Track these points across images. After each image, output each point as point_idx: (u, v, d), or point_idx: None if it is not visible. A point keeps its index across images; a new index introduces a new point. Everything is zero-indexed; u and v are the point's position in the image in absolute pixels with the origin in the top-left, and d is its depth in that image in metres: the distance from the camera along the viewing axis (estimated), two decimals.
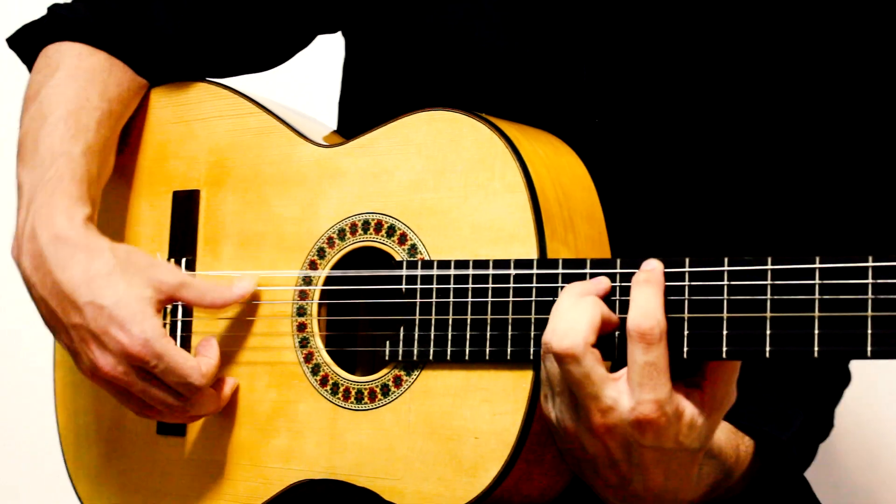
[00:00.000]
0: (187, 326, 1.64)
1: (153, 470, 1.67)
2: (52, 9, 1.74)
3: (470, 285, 1.43)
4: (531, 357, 1.39)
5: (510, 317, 1.41)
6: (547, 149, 1.49)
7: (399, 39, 1.62)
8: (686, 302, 1.31)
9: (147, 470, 1.68)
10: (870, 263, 1.22)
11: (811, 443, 1.57)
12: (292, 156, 1.61)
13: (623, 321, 1.32)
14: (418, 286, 1.46)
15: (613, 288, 1.35)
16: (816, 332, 1.24)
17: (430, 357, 1.45)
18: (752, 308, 1.27)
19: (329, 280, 1.55)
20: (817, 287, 1.24)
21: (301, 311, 1.56)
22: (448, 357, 1.44)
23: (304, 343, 1.56)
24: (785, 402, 1.52)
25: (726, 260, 1.30)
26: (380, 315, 1.50)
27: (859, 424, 2.17)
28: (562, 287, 1.37)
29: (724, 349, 1.29)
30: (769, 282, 1.27)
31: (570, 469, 1.46)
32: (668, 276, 1.31)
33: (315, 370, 1.55)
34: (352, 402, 1.51)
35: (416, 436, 1.46)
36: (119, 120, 1.69)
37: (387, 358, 1.48)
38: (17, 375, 2.59)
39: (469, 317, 1.43)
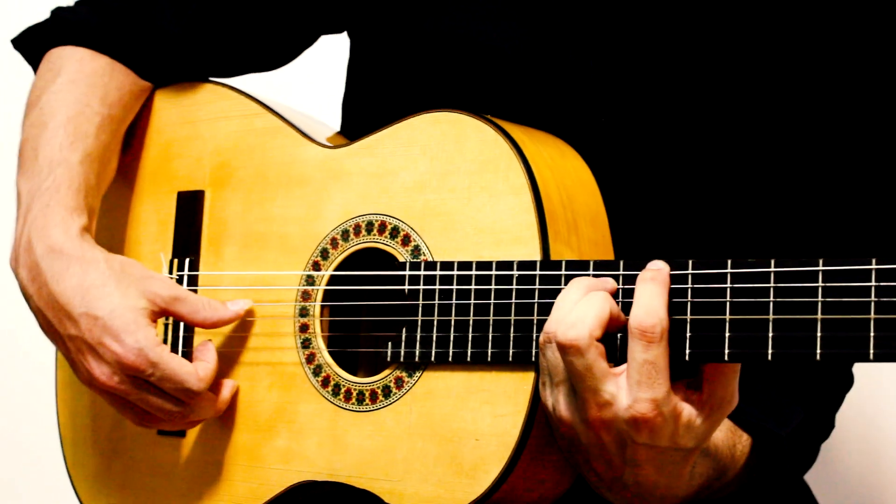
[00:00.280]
0: (189, 327, 1.64)
1: (153, 470, 1.67)
2: (56, 12, 1.74)
3: (473, 287, 1.43)
4: (533, 359, 1.39)
5: (512, 318, 1.41)
6: (552, 151, 1.49)
7: (404, 40, 1.62)
8: (689, 304, 1.31)
9: (147, 470, 1.67)
10: (873, 266, 1.22)
11: (811, 442, 1.57)
12: (297, 157, 1.61)
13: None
14: (421, 287, 1.46)
15: (615, 291, 1.35)
16: (819, 334, 1.23)
17: (432, 358, 1.45)
18: (755, 310, 1.27)
19: (332, 281, 1.55)
20: (820, 290, 1.24)
21: (304, 312, 1.56)
22: (450, 358, 1.44)
23: (306, 344, 1.56)
24: (785, 399, 1.51)
25: (729, 262, 1.29)
26: (382, 316, 1.50)
27: (859, 425, 2.16)
28: (568, 285, 1.37)
29: (727, 351, 1.28)
30: (772, 284, 1.27)
31: (571, 471, 1.45)
32: (671, 278, 1.31)
33: (317, 371, 1.54)
34: (353, 404, 1.51)
35: (417, 437, 1.45)
36: (121, 124, 1.69)
37: (388, 359, 1.48)
38: (19, 376, 2.60)
39: (471, 318, 1.43)
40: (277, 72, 1.82)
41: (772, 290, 1.27)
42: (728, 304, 1.29)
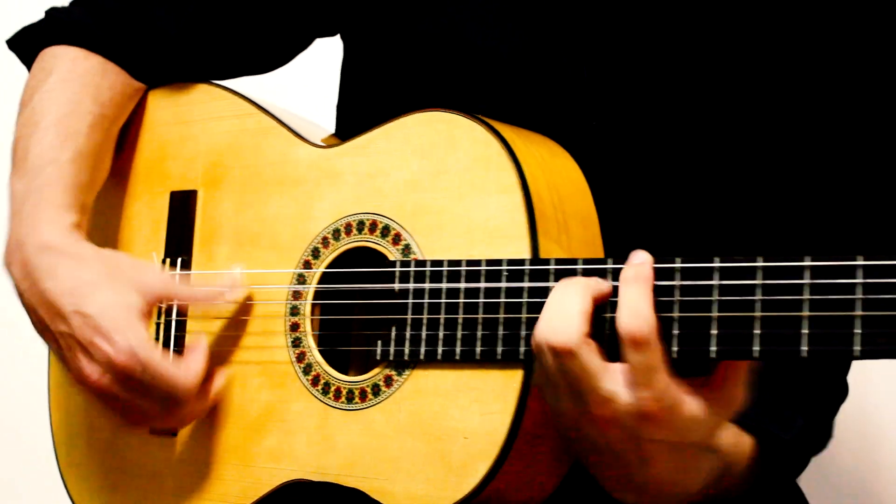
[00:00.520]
0: (181, 326, 1.64)
1: (145, 469, 1.67)
2: (50, 12, 1.75)
3: (462, 285, 1.43)
4: (521, 357, 1.39)
5: (501, 316, 1.41)
6: (543, 151, 1.49)
7: (397, 42, 1.63)
8: (677, 303, 1.31)
9: (139, 470, 1.67)
10: (860, 262, 1.22)
11: (809, 450, 1.56)
12: (289, 156, 1.61)
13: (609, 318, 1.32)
14: (411, 286, 1.46)
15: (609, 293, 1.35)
16: (805, 331, 1.23)
17: (421, 357, 1.45)
18: (742, 308, 1.27)
19: (323, 279, 1.55)
20: (807, 287, 1.24)
21: (294, 311, 1.56)
22: (439, 357, 1.44)
23: (296, 342, 1.56)
24: (786, 406, 1.51)
25: (717, 259, 1.29)
26: (372, 315, 1.50)
27: (857, 427, 2.16)
28: (553, 287, 1.37)
29: (714, 349, 1.28)
30: (759, 281, 1.27)
31: (560, 471, 1.45)
32: (658, 275, 1.31)
33: (307, 370, 1.54)
34: (343, 402, 1.51)
35: (406, 436, 1.45)
36: (113, 123, 1.70)
37: (378, 357, 1.48)
38: (11, 375, 2.60)
39: (460, 316, 1.43)
40: (272, 73, 1.82)
41: (759, 287, 1.27)
42: (716, 302, 1.29)
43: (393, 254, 1.50)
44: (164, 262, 1.68)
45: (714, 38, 1.51)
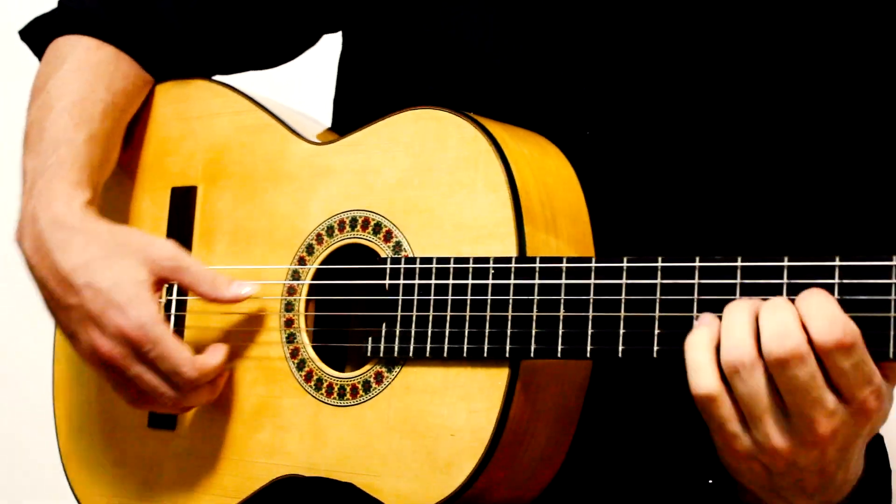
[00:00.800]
0: (182, 306, 1.65)
1: (144, 462, 1.68)
2: (63, 2, 1.76)
3: (450, 282, 1.44)
4: (507, 354, 1.39)
5: (488, 314, 1.41)
6: (533, 149, 1.49)
7: (395, 41, 1.63)
8: (658, 301, 1.31)
9: (138, 462, 1.69)
10: (836, 263, 1.21)
11: None
12: (285, 153, 1.62)
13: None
14: (401, 283, 1.47)
15: (587, 286, 1.35)
16: None
17: (410, 354, 1.46)
18: (722, 307, 1.27)
19: (316, 276, 1.56)
20: (784, 287, 1.24)
21: (289, 307, 1.57)
22: (427, 354, 1.44)
23: (290, 338, 1.57)
24: None
25: (697, 258, 1.29)
26: (364, 311, 1.51)
27: None
28: (538, 285, 1.37)
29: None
30: (738, 280, 1.26)
31: (548, 471, 1.46)
32: (637, 273, 1.31)
33: (300, 365, 1.55)
34: (335, 398, 1.52)
35: (395, 433, 1.46)
36: (124, 113, 1.71)
37: (369, 354, 1.49)
38: (14, 367, 2.62)
39: (448, 314, 1.43)
40: (273, 69, 1.83)
41: (738, 286, 1.26)
42: (695, 301, 1.29)
43: (384, 251, 1.50)
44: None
45: (709, 45, 1.51)
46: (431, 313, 1.44)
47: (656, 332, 1.30)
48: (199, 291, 1.56)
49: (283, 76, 1.92)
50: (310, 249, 1.57)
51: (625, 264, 1.33)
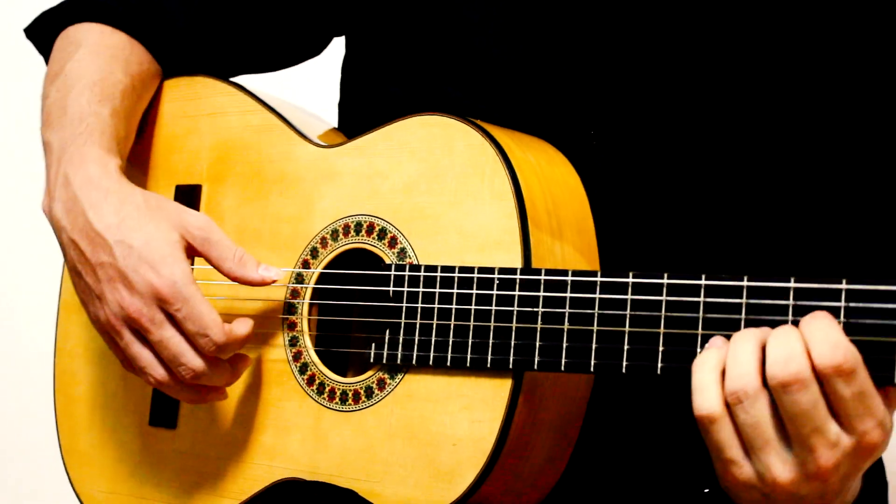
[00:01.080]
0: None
1: (144, 460, 1.68)
2: None
3: (455, 291, 1.43)
4: (510, 366, 1.39)
5: (492, 325, 1.41)
6: (540, 158, 1.49)
7: (401, 44, 1.63)
8: (662, 318, 1.31)
9: (138, 460, 1.69)
10: (843, 286, 1.21)
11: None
12: (291, 155, 1.62)
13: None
14: (405, 290, 1.47)
15: (592, 300, 1.35)
16: None
17: (414, 361, 1.45)
18: (725, 326, 1.27)
19: (321, 280, 1.56)
20: (790, 308, 1.23)
21: (292, 310, 1.57)
22: (430, 362, 1.44)
23: (293, 342, 1.57)
24: None
25: (703, 276, 1.29)
26: (368, 317, 1.51)
27: None
28: (543, 297, 1.37)
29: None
30: (744, 300, 1.26)
31: (548, 482, 1.46)
32: (642, 289, 1.31)
33: (303, 369, 1.55)
34: (336, 403, 1.52)
35: (397, 439, 1.46)
36: (140, 98, 1.70)
37: (371, 360, 1.49)
38: (14, 364, 2.62)
39: (452, 323, 1.43)
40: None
41: (744, 306, 1.26)
42: (701, 319, 1.28)
43: (389, 257, 1.50)
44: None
45: (714, 48, 1.50)
46: (435, 322, 1.44)
47: (660, 349, 1.30)
48: (223, 268, 1.53)
49: (289, 75, 1.92)
50: (314, 253, 1.57)
51: (630, 280, 1.33)
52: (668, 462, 1.52)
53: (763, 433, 1.22)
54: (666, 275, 1.31)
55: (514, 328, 1.39)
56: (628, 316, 1.33)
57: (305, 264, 1.57)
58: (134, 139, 1.73)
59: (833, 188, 1.51)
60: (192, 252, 1.54)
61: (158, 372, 1.53)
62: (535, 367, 1.38)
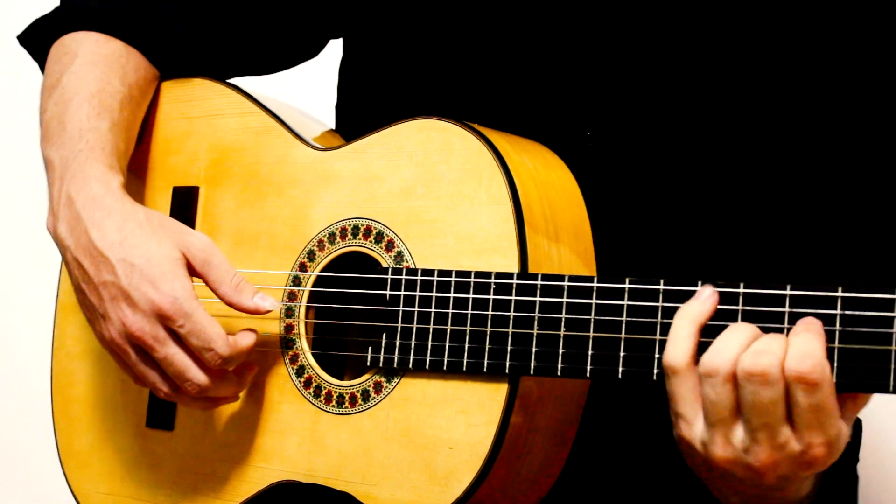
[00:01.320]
0: None
1: (141, 462, 1.69)
2: (65, 1, 1.76)
3: (451, 295, 1.43)
4: (507, 370, 1.39)
5: (488, 329, 1.41)
6: (537, 162, 1.49)
7: (397, 46, 1.63)
8: (659, 325, 1.31)
9: (135, 461, 1.69)
10: (839, 294, 1.21)
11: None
12: (289, 157, 1.62)
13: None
14: (402, 294, 1.47)
15: (589, 306, 1.35)
16: None
17: (410, 365, 1.46)
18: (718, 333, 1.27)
19: (317, 283, 1.56)
20: (786, 315, 1.24)
21: (289, 313, 1.57)
22: (427, 366, 1.44)
23: (290, 344, 1.57)
24: None
25: (699, 283, 1.29)
26: (364, 320, 1.51)
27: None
28: (540, 302, 1.38)
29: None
30: (740, 307, 1.27)
31: (544, 485, 1.46)
32: (639, 295, 1.31)
33: (300, 372, 1.56)
34: (333, 406, 1.52)
35: (393, 443, 1.46)
36: (138, 106, 1.70)
37: (368, 363, 1.49)
38: (13, 364, 2.62)
39: (449, 327, 1.43)
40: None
41: (739, 312, 1.27)
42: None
43: (386, 260, 1.50)
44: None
45: (712, 49, 1.50)
46: (432, 326, 1.44)
47: (657, 355, 1.31)
48: (220, 291, 1.54)
49: (287, 78, 1.92)
50: (311, 255, 1.57)
51: (627, 286, 1.33)
52: (663, 466, 1.52)
53: (720, 411, 1.25)
54: (662, 281, 1.31)
55: (510, 333, 1.40)
56: (624, 322, 1.33)
57: (302, 267, 1.57)
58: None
59: (829, 191, 1.51)
60: (191, 271, 1.54)
61: (165, 389, 1.54)
62: (532, 371, 1.38)
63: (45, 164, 1.64)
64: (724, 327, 1.26)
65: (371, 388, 1.49)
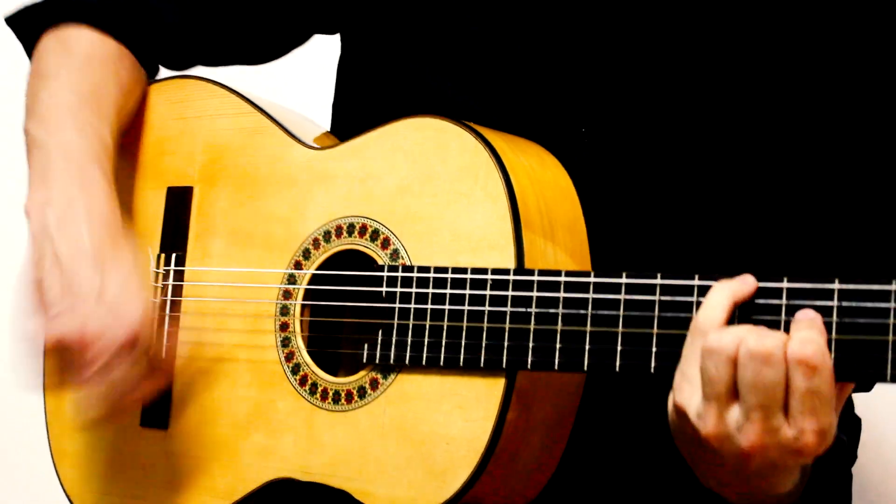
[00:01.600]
0: (176, 306, 1.66)
1: (135, 461, 1.69)
2: None
3: (448, 292, 1.44)
4: (504, 365, 1.40)
5: (485, 325, 1.42)
6: (532, 160, 1.50)
7: (392, 42, 1.64)
8: (656, 318, 1.32)
9: (129, 461, 1.69)
10: (836, 286, 1.23)
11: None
12: (284, 157, 1.63)
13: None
14: (398, 291, 1.48)
15: (585, 301, 1.36)
16: None
17: (407, 361, 1.46)
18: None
19: (313, 281, 1.57)
20: (783, 308, 1.25)
21: (284, 311, 1.58)
22: (423, 362, 1.45)
23: (285, 342, 1.57)
24: None
25: (696, 276, 1.31)
26: (360, 318, 1.52)
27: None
28: (536, 298, 1.39)
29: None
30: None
31: (541, 480, 1.47)
32: (636, 289, 1.32)
33: (295, 370, 1.56)
34: (329, 403, 1.52)
35: (390, 439, 1.47)
36: (130, 113, 1.72)
37: (364, 360, 1.50)
38: (6, 367, 2.61)
39: (445, 323, 1.44)
40: (270, 71, 1.83)
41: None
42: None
43: (382, 258, 1.51)
44: (158, 257, 1.69)
45: (707, 45, 1.52)
46: (428, 322, 1.45)
47: (654, 349, 1.32)
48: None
49: (281, 78, 1.92)
50: (306, 254, 1.58)
51: (623, 280, 1.35)
52: (658, 460, 1.53)
53: (718, 388, 1.25)
54: (659, 275, 1.32)
55: (507, 329, 1.41)
56: (621, 316, 1.34)
57: (298, 265, 1.58)
58: (125, 142, 1.74)
59: (824, 186, 1.52)
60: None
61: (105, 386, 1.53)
62: (529, 366, 1.39)
63: (29, 141, 1.64)
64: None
65: (367, 385, 1.50)
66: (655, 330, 1.32)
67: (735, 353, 1.24)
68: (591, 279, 1.36)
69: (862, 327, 1.22)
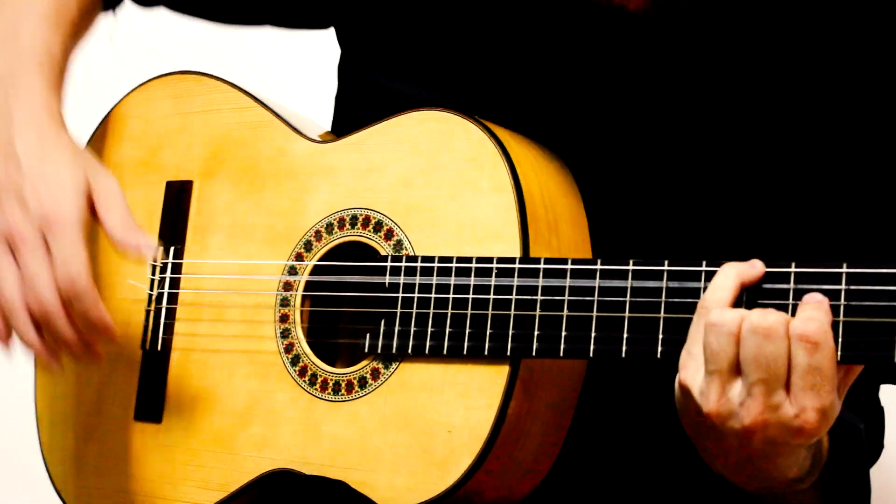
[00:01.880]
0: (173, 298, 1.66)
1: (128, 455, 1.68)
2: None
3: (452, 281, 1.45)
4: (508, 353, 1.41)
5: (490, 313, 1.43)
6: (536, 154, 1.52)
7: (391, 39, 1.65)
8: (663, 304, 1.33)
9: (122, 455, 1.68)
10: (843, 269, 1.24)
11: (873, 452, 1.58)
12: (286, 150, 1.63)
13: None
14: (401, 280, 1.48)
15: (592, 288, 1.37)
16: None
17: (409, 351, 1.47)
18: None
19: (314, 272, 1.57)
20: (791, 292, 1.27)
21: (284, 302, 1.58)
22: (426, 351, 1.46)
23: (285, 333, 1.57)
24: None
25: (704, 262, 1.32)
26: (362, 308, 1.52)
27: None
28: (542, 285, 1.40)
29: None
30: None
31: (543, 468, 1.47)
32: (642, 275, 1.34)
33: (294, 361, 1.56)
34: (329, 394, 1.53)
35: (390, 428, 1.47)
36: (84, 31, 1.75)
37: (366, 350, 1.50)
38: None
39: (449, 312, 1.45)
40: (270, 69, 1.84)
41: (744, 290, 1.29)
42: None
43: (385, 249, 1.52)
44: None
45: (706, 44, 1.53)
46: (432, 311, 1.46)
47: (660, 335, 1.33)
48: (107, 224, 1.55)
49: (282, 77, 1.93)
50: (308, 246, 1.58)
51: (630, 266, 1.36)
52: (662, 450, 1.54)
53: (720, 362, 1.26)
54: (666, 261, 1.34)
55: (512, 316, 1.41)
56: (628, 302, 1.35)
57: (299, 257, 1.58)
58: (122, 138, 1.74)
59: (826, 181, 1.53)
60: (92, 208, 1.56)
61: (10, 290, 1.53)
62: (534, 353, 1.40)
63: None
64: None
65: (368, 375, 1.50)
66: (662, 315, 1.33)
67: (738, 329, 1.25)
68: (598, 266, 1.37)
69: (870, 310, 1.23)
